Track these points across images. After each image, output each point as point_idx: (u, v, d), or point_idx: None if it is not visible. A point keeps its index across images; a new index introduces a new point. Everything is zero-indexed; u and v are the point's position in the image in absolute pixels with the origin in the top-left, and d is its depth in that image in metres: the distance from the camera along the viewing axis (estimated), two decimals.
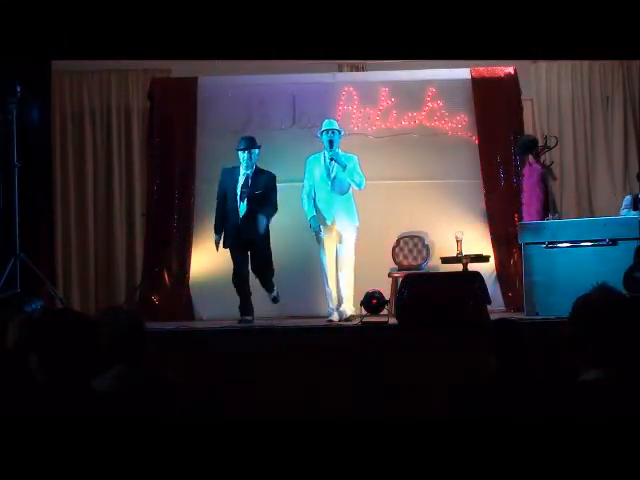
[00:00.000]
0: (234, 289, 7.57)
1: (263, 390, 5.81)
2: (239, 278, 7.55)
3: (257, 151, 7.58)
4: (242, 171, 7.56)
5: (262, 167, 7.63)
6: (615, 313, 2.41)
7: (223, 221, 7.65)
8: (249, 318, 7.46)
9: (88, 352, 2.68)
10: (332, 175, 7.69)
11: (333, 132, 7.72)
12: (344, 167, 7.63)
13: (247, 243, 7.52)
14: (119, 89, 9.40)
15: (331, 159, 7.67)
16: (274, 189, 7.59)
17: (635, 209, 7.60)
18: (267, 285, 7.68)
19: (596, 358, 2.38)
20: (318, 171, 7.74)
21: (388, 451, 2.15)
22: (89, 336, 2.70)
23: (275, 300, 7.77)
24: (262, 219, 7.44)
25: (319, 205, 7.73)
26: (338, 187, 7.69)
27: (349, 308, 7.64)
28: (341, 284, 7.69)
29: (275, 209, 7.58)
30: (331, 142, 7.66)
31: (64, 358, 2.62)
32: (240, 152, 7.55)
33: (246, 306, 7.53)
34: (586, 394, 2.33)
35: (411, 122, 8.95)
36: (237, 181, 7.55)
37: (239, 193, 7.51)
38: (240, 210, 7.50)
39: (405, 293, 6.95)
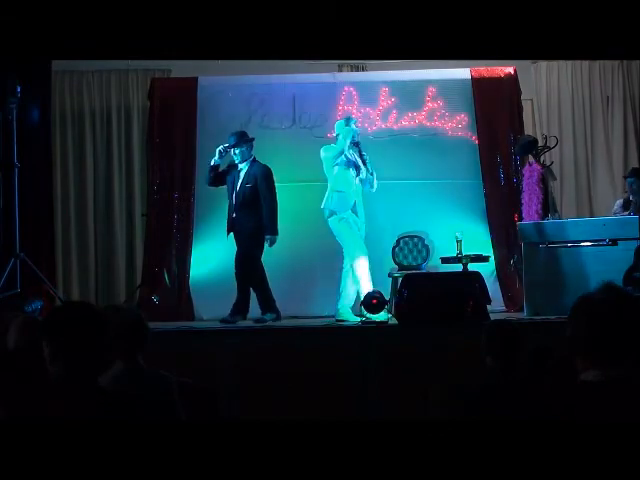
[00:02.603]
0: (235, 289, 7.57)
1: (263, 390, 5.81)
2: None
3: (243, 147, 7.56)
4: (240, 167, 7.61)
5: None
6: (621, 312, 2.39)
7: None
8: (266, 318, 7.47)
9: (99, 347, 2.70)
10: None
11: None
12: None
13: (237, 236, 7.56)
14: (119, 89, 9.41)
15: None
16: (267, 179, 7.55)
17: (625, 210, 7.67)
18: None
19: (599, 358, 2.37)
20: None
21: (388, 451, 2.15)
22: (102, 330, 2.72)
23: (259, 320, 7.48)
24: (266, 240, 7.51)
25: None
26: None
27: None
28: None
29: (273, 200, 7.54)
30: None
31: (79, 351, 2.64)
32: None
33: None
34: (585, 394, 2.33)
35: (411, 122, 8.95)
36: (235, 177, 7.59)
37: (237, 187, 7.56)
38: (234, 203, 7.56)
39: (405, 293, 6.95)
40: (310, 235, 8.25)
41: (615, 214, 7.74)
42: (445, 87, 8.95)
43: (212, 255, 8.48)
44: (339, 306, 7.58)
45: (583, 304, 2.44)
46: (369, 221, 7.94)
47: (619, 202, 7.89)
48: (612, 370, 2.34)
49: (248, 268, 7.50)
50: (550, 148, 8.43)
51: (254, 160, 7.62)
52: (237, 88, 8.96)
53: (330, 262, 8.27)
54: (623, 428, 2.16)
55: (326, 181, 7.80)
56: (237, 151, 7.57)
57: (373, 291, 7.24)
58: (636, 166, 8.54)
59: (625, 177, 8.08)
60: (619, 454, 2.11)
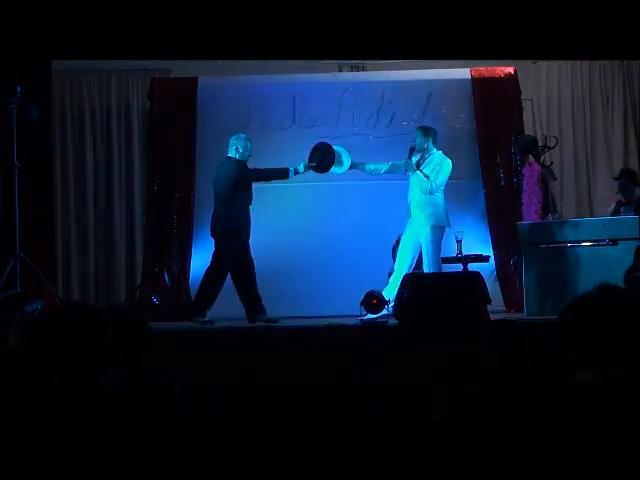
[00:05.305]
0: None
1: (262, 391, 5.81)
2: None
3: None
4: None
5: (261, 167, 7.65)
6: (614, 312, 2.39)
7: None
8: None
9: (99, 347, 2.71)
10: None
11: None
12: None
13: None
14: (119, 89, 9.41)
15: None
16: (227, 175, 7.57)
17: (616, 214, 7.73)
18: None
19: (592, 358, 2.37)
20: None
21: (388, 451, 2.15)
22: (101, 330, 2.73)
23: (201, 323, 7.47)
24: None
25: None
26: None
27: None
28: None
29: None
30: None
31: (78, 352, 2.64)
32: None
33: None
34: (582, 395, 2.33)
35: (411, 122, 8.94)
36: None
37: None
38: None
39: (405, 293, 6.95)
40: (310, 235, 8.24)
41: None
42: (445, 87, 8.94)
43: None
44: None
45: (575, 305, 2.43)
46: (369, 221, 7.96)
47: (612, 207, 7.95)
48: (606, 370, 2.34)
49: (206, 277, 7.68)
50: (550, 148, 8.42)
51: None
52: (237, 88, 8.95)
53: (330, 262, 8.28)
54: (618, 428, 2.16)
55: (325, 181, 7.81)
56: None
57: (373, 291, 7.24)
58: (627, 167, 8.56)
59: (615, 179, 8.12)
60: (616, 454, 2.11)
